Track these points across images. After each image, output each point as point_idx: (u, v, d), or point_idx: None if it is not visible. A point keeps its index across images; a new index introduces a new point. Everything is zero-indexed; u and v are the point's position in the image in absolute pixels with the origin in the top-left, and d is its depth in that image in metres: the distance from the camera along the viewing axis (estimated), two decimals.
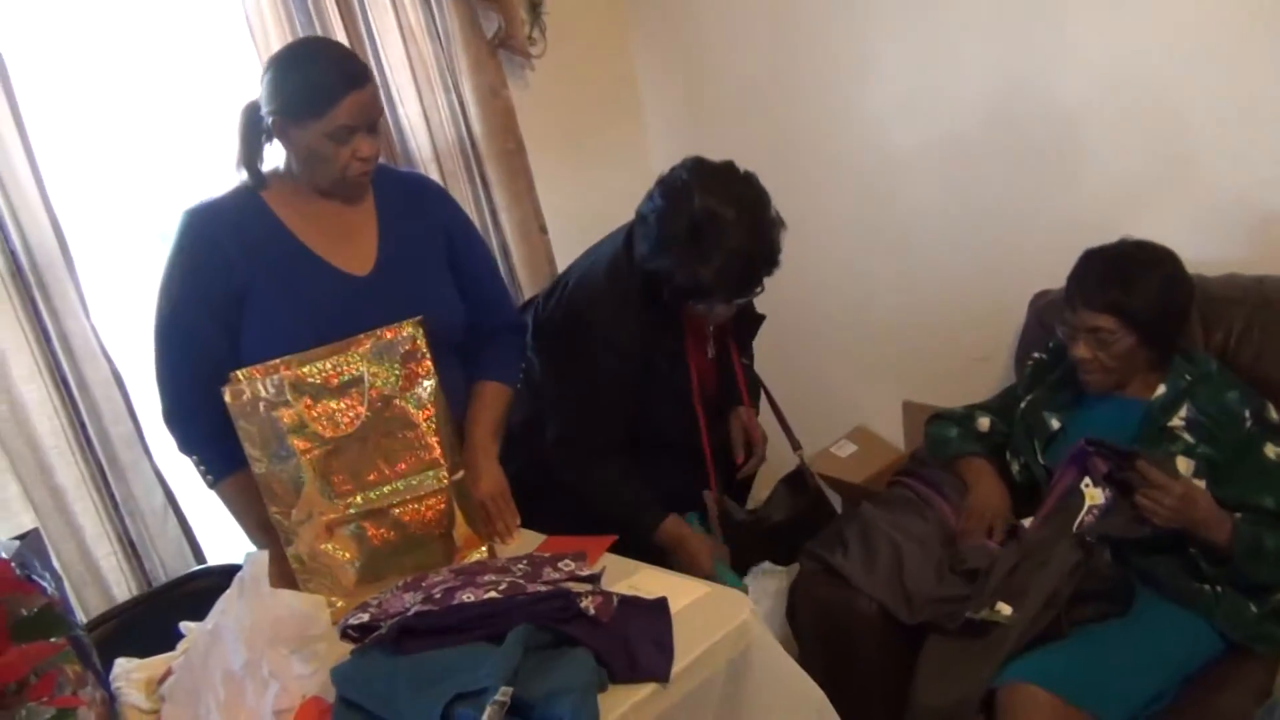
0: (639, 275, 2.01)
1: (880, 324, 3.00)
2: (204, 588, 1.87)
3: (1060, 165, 2.51)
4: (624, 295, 2.03)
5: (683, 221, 1.89)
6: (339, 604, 1.67)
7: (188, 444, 1.86)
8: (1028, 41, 2.47)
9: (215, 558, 2.30)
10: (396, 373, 1.70)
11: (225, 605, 1.49)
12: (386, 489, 1.71)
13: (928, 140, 2.72)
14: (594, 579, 1.57)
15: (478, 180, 2.77)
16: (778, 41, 2.90)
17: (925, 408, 2.60)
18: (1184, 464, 1.92)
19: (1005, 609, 1.78)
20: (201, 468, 1.85)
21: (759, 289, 1.98)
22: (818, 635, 2.00)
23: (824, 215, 2.92)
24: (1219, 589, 1.86)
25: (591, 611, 1.44)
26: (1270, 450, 1.95)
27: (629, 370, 2.05)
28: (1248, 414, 1.96)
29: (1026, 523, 2.01)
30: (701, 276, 1.89)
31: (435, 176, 2.67)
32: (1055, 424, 2.12)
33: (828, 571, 1.97)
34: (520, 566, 1.58)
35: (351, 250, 1.84)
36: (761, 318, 2.33)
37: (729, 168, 1.96)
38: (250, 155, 1.82)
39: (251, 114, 1.79)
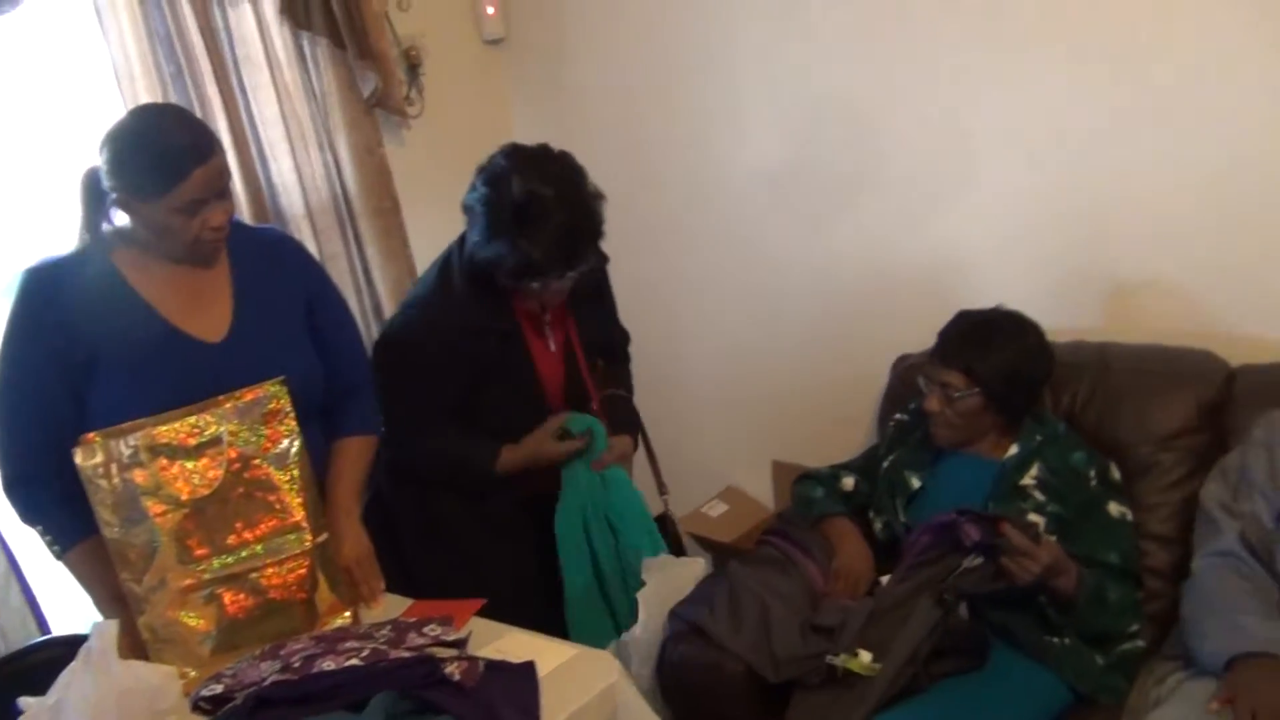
0: (467, 269, 2.06)
1: (751, 385, 3.06)
2: (47, 660, 1.77)
3: (924, 234, 2.63)
4: (448, 291, 2.09)
5: (507, 205, 1.95)
6: (192, 674, 1.61)
7: (32, 512, 1.75)
8: (892, 106, 2.59)
9: (60, 628, 2.18)
10: (259, 433, 1.67)
11: (69, 679, 1.41)
12: (245, 553, 1.66)
13: (795, 209, 2.82)
14: (460, 644, 1.56)
15: (351, 238, 2.75)
16: (654, 103, 2.98)
17: (794, 467, 2.66)
18: (1035, 521, 2.00)
19: (866, 656, 1.82)
20: (48, 537, 1.75)
21: (588, 262, 2.03)
22: (687, 696, 2.00)
23: (698, 274, 2.98)
24: (1068, 642, 1.94)
25: (456, 677, 1.42)
26: (1113, 508, 2.06)
27: (455, 360, 2.07)
28: (1093, 474, 2.07)
29: (885, 580, 2.06)
30: (531, 255, 1.95)
31: (307, 234, 2.64)
32: (916, 483, 2.19)
33: (695, 632, 1.98)
34: (384, 632, 1.55)
35: (205, 316, 1.78)
36: (624, 335, 2.38)
37: (544, 150, 2.03)
38: (94, 222, 1.74)
39: (92, 182, 1.71)
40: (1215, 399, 2.14)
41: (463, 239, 2.11)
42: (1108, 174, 2.33)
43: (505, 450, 2.14)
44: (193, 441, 1.64)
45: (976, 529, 1.87)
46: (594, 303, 2.29)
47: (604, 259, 2.19)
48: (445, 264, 2.14)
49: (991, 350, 2.07)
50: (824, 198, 2.76)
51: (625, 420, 2.34)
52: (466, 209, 2.05)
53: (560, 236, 1.96)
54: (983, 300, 2.21)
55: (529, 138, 2.11)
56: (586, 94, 3.10)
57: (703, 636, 1.97)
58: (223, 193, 1.72)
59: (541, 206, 1.95)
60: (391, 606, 1.80)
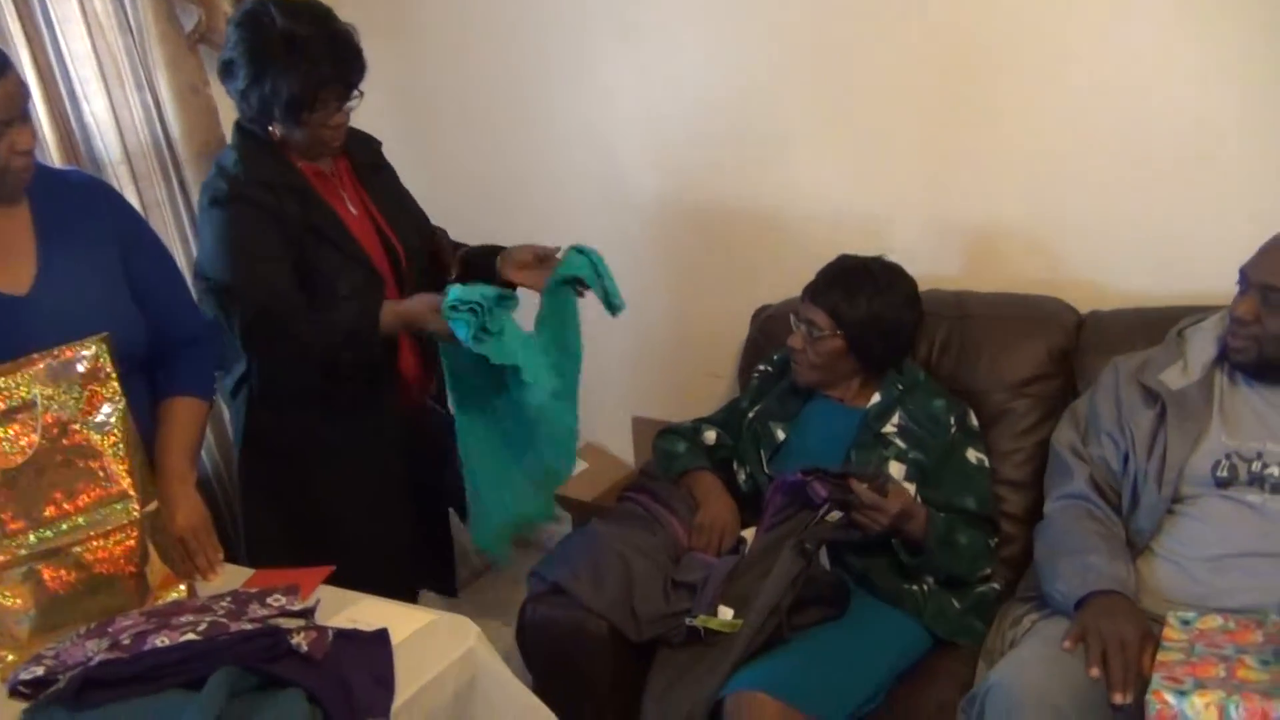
0: (251, 136, 2.07)
1: (609, 339, 3.06)
2: None
3: (782, 185, 2.67)
4: (242, 154, 2.06)
5: (271, 37, 1.97)
6: (9, 658, 1.52)
7: None
8: (746, 62, 2.62)
9: None
10: (76, 396, 1.58)
11: None
12: (65, 525, 1.57)
13: (656, 158, 2.83)
14: (307, 613, 1.52)
15: (175, 182, 2.63)
16: (499, 52, 2.93)
17: (654, 422, 2.68)
18: (896, 468, 2.09)
19: (728, 613, 1.86)
20: None
21: (361, 76, 2.05)
22: (548, 657, 2.01)
23: (553, 228, 2.95)
24: (926, 588, 2.03)
25: (304, 648, 1.38)
26: (971, 455, 2.15)
27: (274, 216, 2.03)
28: (952, 421, 2.15)
29: (748, 534, 2.11)
30: (305, 72, 1.96)
31: (126, 180, 2.51)
32: (780, 434, 2.24)
33: (555, 591, 1.99)
34: (223, 604, 1.51)
35: (5, 267, 1.68)
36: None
37: None
38: None
39: None
40: (1066, 345, 2.25)
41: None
42: (964, 124, 2.41)
43: (386, 306, 2.04)
44: (2, 406, 1.54)
45: (824, 487, 1.94)
46: (386, 184, 2.25)
47: (376, 141, 2.25)
48: (233, 146, 2.10)
49: (860, 296, 2.14)
50: (685, 148, 2.77)
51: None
52: (225, 66, 2.04)
53: (329, 48, 1.99)
54: (841, 250, 2.26)
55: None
56: (427, 31, 3.03)
57: (564, 596, 1.98)
58: (25, 115, 1.62)
59: (305, 29, 1.98)
60: (231, 577, 1.74)
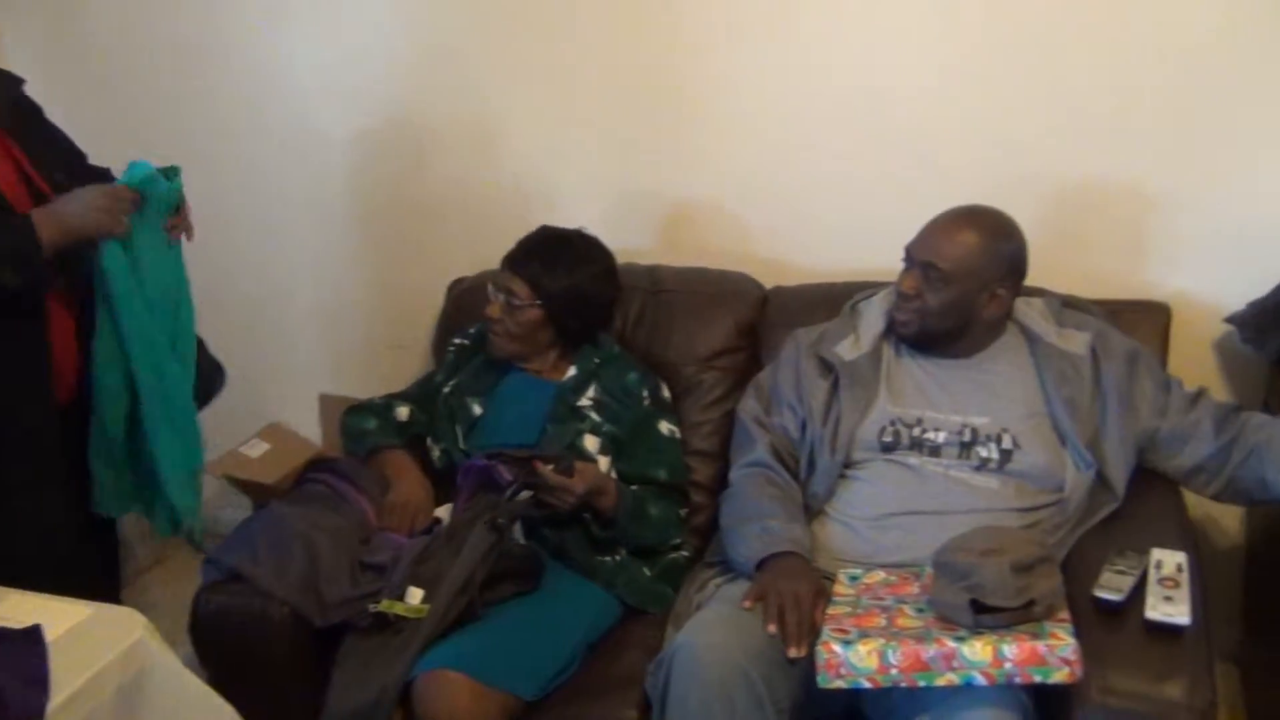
0: None
1: (293, 312, 3.01)
2: None
3: (478, 156, 2.71)
4: None
5: None
6: None
7: None
8: (441, 31, 2.65)
9: None
10: None
11: None
12: None
13: (348, 125, 2.81)
14: None
15: None
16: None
17: (343, 400, 2.65)
18: (591, 441, 2.19)
19: (417, 595, 1.88)
20: None
21: None
22: (226, 649, 1.95)
23: (227, 199, 2.85)
24: (618, 558, 2.14)
25: None
26: (664, 427, 2.28)
27: None
28: (645, 393, 2.27)
29: (443, 512, 2.14)
30: None
31: None
32: (477, 409, 2.29)
33: (233, 579, 1.94)
34: None
35: None
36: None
37: None
38: None
39: None
40: (751, 319, 2.43)
41: None
42: (659, 99, 2.54)
43: (38, 215, 1.88)
44: None
45: (510, 470, 2.02)
46: (28, 123, 2.09)
47: (17, 79, 2.06)
48: None
49: (559, 268, 2.22)
50: (378, 115, 2.77)
51: None
52: None
53: None
54: (537, 223, 2.33)
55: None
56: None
57: (242, 583, 1.93)
58: None
59: None
60: None
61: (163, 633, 1.56)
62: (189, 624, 1.97)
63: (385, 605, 1.89)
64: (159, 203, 2.00)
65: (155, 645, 1.51)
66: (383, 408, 2.37)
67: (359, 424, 2.34)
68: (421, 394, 2.39)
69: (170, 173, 2.01)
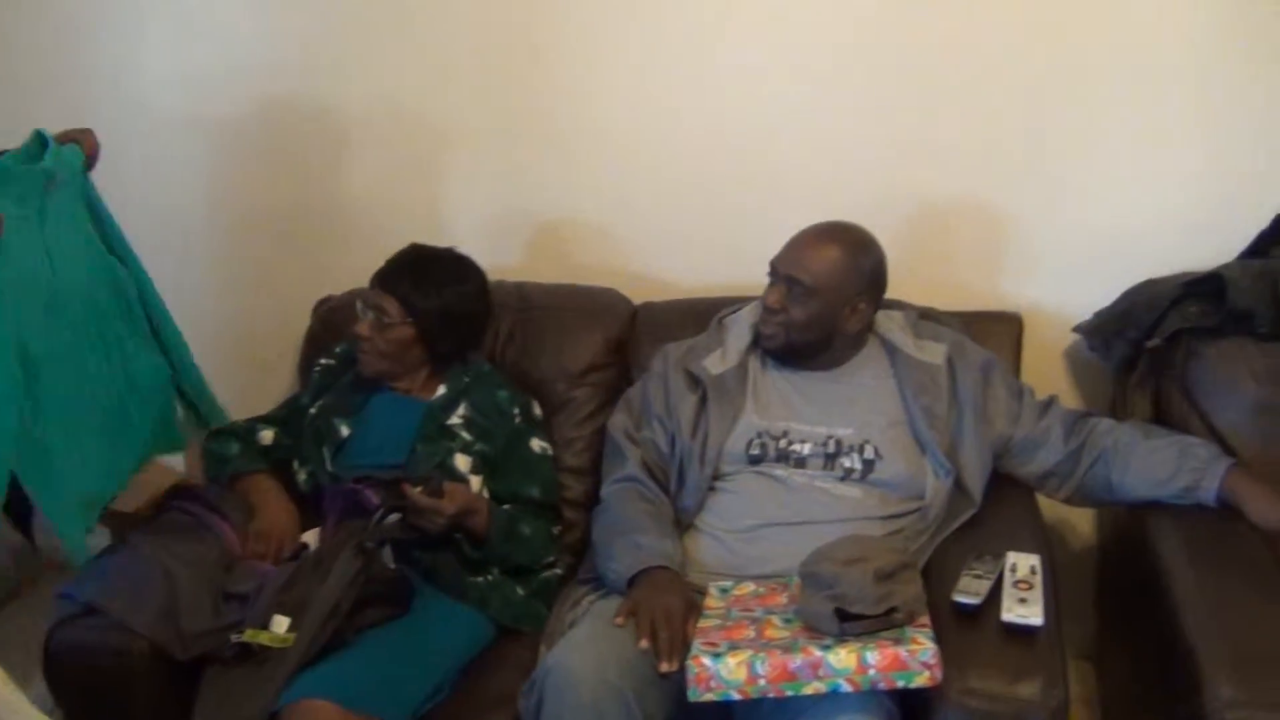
0: None
1: None
2: None
3: (342, 175, 2.69)
4: None
5: None
6: None
7: None
8: (305, 46, 2.61)
9: None
10: None
11: None
12: None
13: (206, 143, 2.75)
14: None
15: None
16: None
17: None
18: (462, 460, 2.17)
19: (282, 624, 1.84)
20: None
21: None
22: (82, 686, 1.88)
23: None
24: (491, 578, 2.13)
25: None
26: (535, 444, 2.27)
27: None
28: (516, 411, 2.26)
29: (310, 537, 2.10)
30: None
31: None
32: (344, 430, 2.25)
33: (88, 613, 1.87)
34: None
35: None
36: None
37: None
38: None
39: None
40: (621, 335, 2.45)
41: None
42: (524, 118, 2.56)
43: None
44: None
45: (377, 494, 2.00)
46: None
47: None
48: None
49: (430, 286, 2.20)
50: (238, 134, 2.72)
51: None
52: None
53: None
54: (405, 241, 2.31)
55: None
56: None
57: (98, 616, 1.87)
58: None
59: None
60: None
61: (18, 671, 1.50)
62: (41, 661, 1.89)
63: (249, 634, 1.84)
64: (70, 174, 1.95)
65: (2, 686, 1.45)
66: (245, 431, 2.31)
67: (221, 449, 2.28)
68: (286, 416, 2.35)
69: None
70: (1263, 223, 2.24)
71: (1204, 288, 2.17)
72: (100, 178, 2.50)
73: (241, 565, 2.04)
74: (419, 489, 1.99)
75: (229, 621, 1.89)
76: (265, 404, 2.45)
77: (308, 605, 1.87)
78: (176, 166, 2.77)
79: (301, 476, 2.26)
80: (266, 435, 2.31)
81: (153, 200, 2.77)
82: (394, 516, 1.99)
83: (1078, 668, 2.38)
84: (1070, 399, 2.39)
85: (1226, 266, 2.18)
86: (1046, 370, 2.41)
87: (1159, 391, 2.23)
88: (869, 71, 2.39)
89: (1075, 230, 2.38)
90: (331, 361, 2.38)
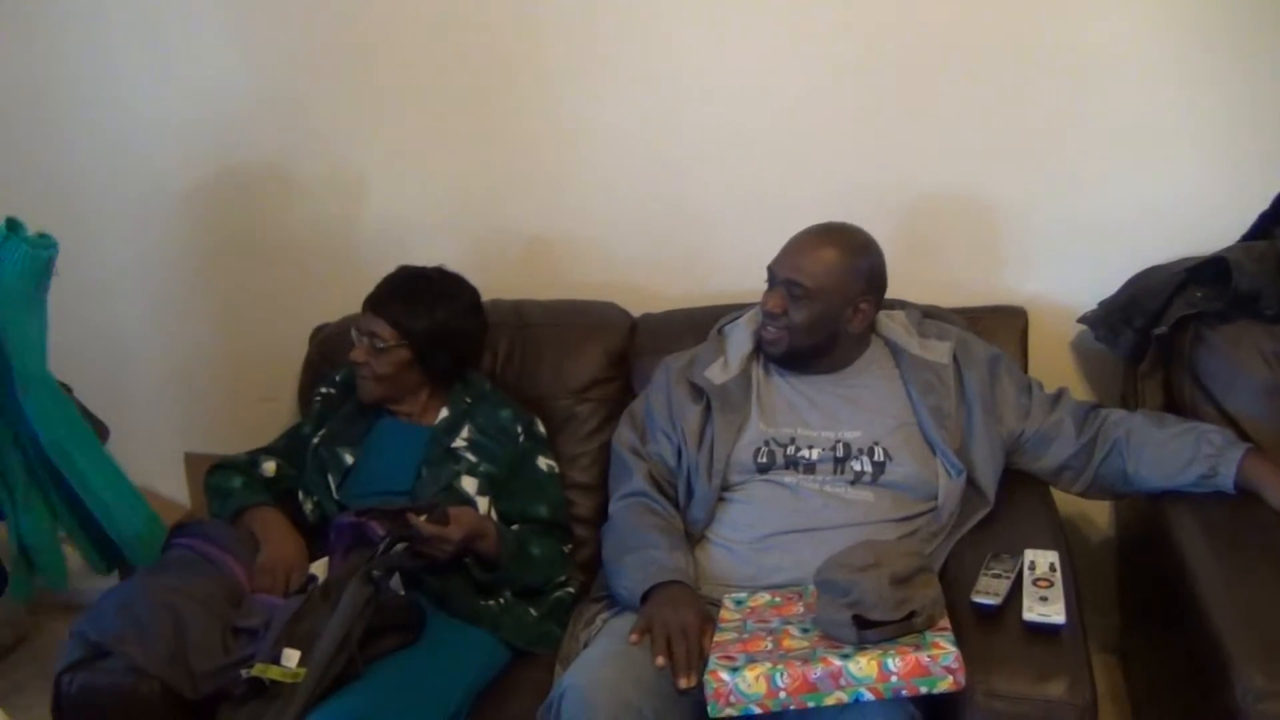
0: None
1: (154, 370, 2.91)
2: None
3: (334, 198, 2.67)
4: None
5: None
6: None
7: None
8: (281, 68, 2.60)
9: None
10: None
11: None
12: None
13: (190, 170, 2.73)
14: None
15: None
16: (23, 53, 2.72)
17: (209, 457, 2.55)
18: (469, 482, 2.15)
19: (293, 657, 1.81)
20: None
21: None
22: None
23: (83, 254, 2.75)
24: (503, 601, 2.10)
25: None
26: (541, 462, 2.25)
27: None
28: (520, 430, 2.24)
29: (319, 568, 2.07)
30: None
31: None
32: (349, 458, 2.23)
33: (99, 655, 1.84)
34: None
35: None
36: None
37: None
38: None
39: None
40: (621, 348, 2.42)
41: None
42: (515, 135, 2.54)
43: None
44: None
45: (382, 525, 1.97)
46: None
47: None
48: None
49: (422, 305, 2.19)
50: (219, 161, 2.71)
51: None
52: None
53: None
54: (398, 263, 2.29)
55: None
56: None
57: (108, 659, 1.84)
58: None
59: None
60: None
61: (31, 716, 1.47)
62: (51, 708, 1.87)
63: (259, 670, 1.81)
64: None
65: None
66: (247, 464, 2.28)
67: (223, 483, 2.25)
68: (289, 447, 2.32)
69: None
70: (1262, 206, 2.21)
71: (1208, 272, 2.14)
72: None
73: (250, 599, 2.01)
74: (423, 517, 1.96)
75: (239, 657, 1.85)
76: (272, 434, 2.42)
77: (318, 638, 1.84)
78: (157, 210, 2.78)
79: (308, 507, 2.23)
80: (269, 467, 2.28)
81: (134, 249, 2.77)
82: (400, 546, 1.96)
83: (1103, 662, 2.35)
84: (1079, 390, 2.36)
85: (1229, 249, 2.14)
86: (1053, 363, 2.39)
87: (1169, 379, 2.21)
88: (864, 74, 2.36)
89: (1075, 220, 2.36)
90: (330, 390, 2.36)
